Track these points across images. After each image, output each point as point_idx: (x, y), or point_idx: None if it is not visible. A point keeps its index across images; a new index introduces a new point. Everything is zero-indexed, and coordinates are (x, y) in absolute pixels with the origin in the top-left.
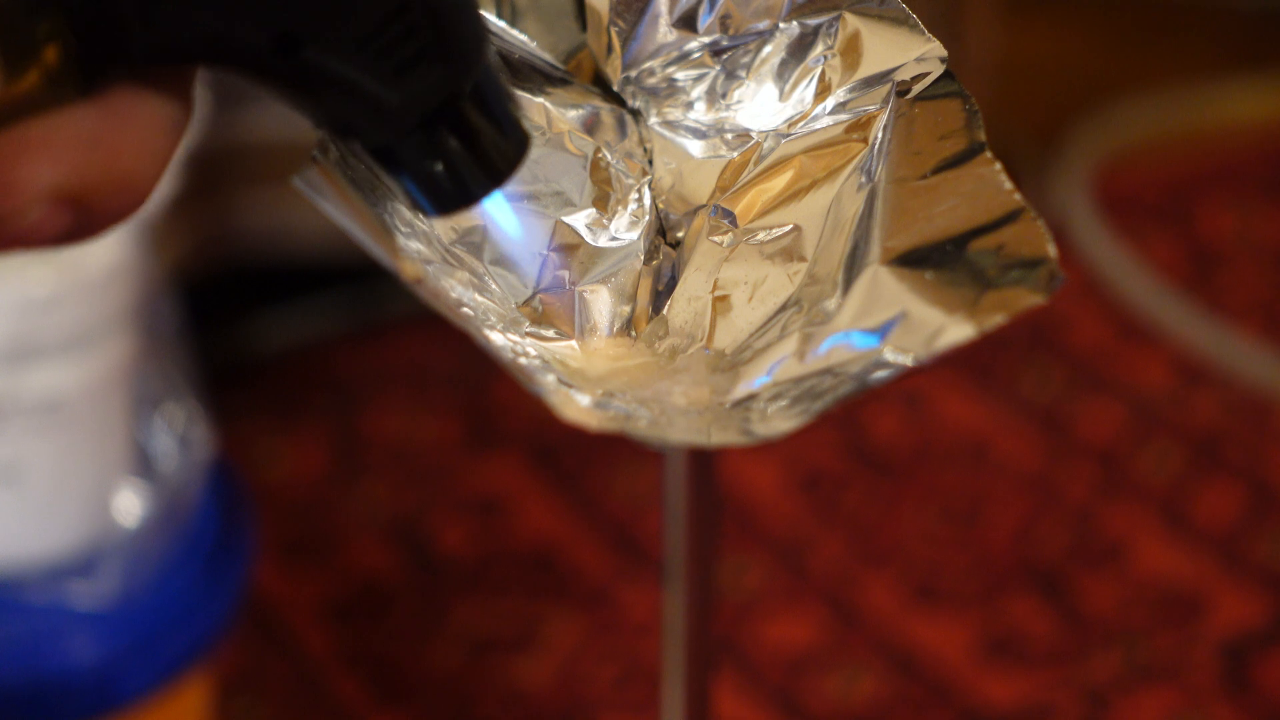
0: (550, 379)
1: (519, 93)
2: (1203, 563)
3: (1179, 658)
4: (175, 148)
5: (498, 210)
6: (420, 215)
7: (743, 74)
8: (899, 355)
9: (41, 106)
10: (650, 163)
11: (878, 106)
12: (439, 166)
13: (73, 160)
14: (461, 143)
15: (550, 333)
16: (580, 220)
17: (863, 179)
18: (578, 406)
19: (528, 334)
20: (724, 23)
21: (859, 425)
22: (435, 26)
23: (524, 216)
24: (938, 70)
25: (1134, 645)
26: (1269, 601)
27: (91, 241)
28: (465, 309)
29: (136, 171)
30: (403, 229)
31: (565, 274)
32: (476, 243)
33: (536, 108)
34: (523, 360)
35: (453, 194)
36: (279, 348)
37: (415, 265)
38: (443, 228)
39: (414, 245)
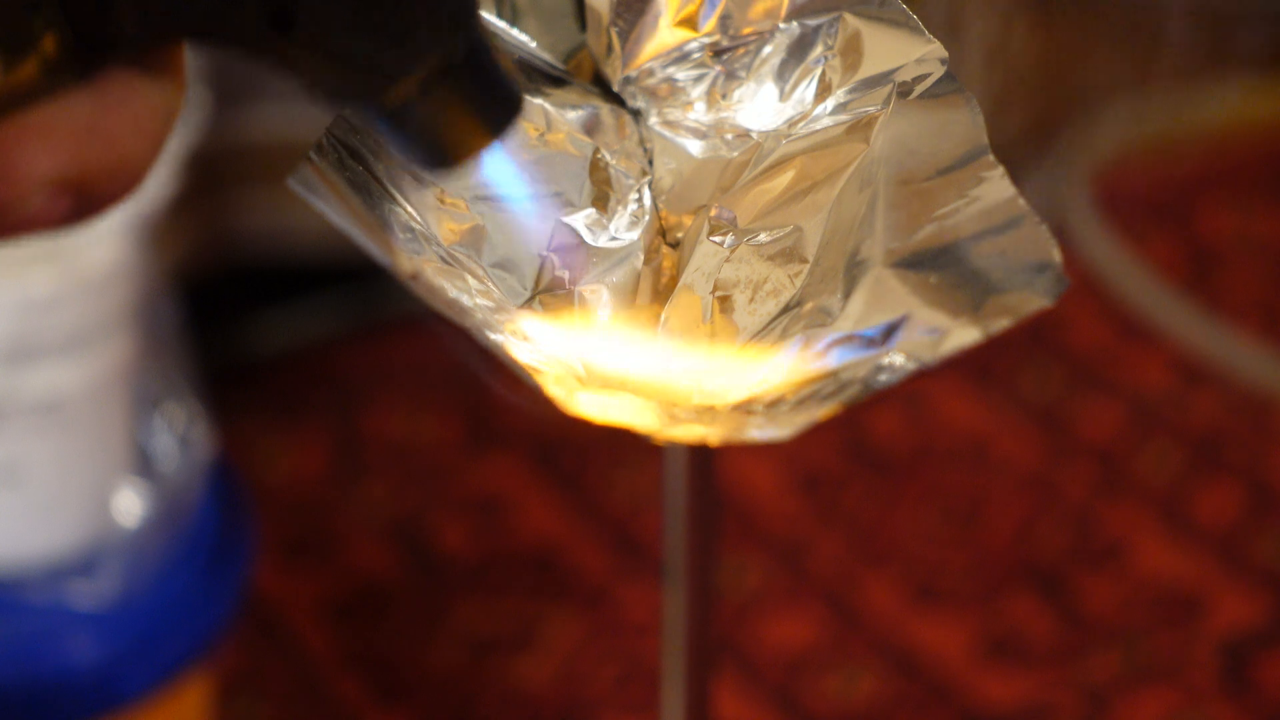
0: (551, 376)
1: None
2: (1203, 563)
3: (1179, 658)
4: (170, 129)
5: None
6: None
7: (743, 74)
8: (903, 358)
9: (39, 95)
10: (650, 163)
11: (878, 107)
12: (437, 127)
13: (71, 148)
14: (459, 101)
15: (551, 333)
16: (580, 220)
17: (864, 180)
18: (579, 401)
19: (528, 336)
20: (724, 23)
21: (859, 425)
22: None
23: (523, 215)
24: (938, 71)
25: (1134, 645)
26: (1269, 601)
27: (89, 223)
28: (465, 308)
29: (133, 155)
30: (401, 233)
31: (565, 274)
32: (476, 245)
33: (536, 109)
34: (524, 360)
35: (453, 151)
36: (279, 348)
37: (412, 260)
38: (442, 230)
39: (413, 247)
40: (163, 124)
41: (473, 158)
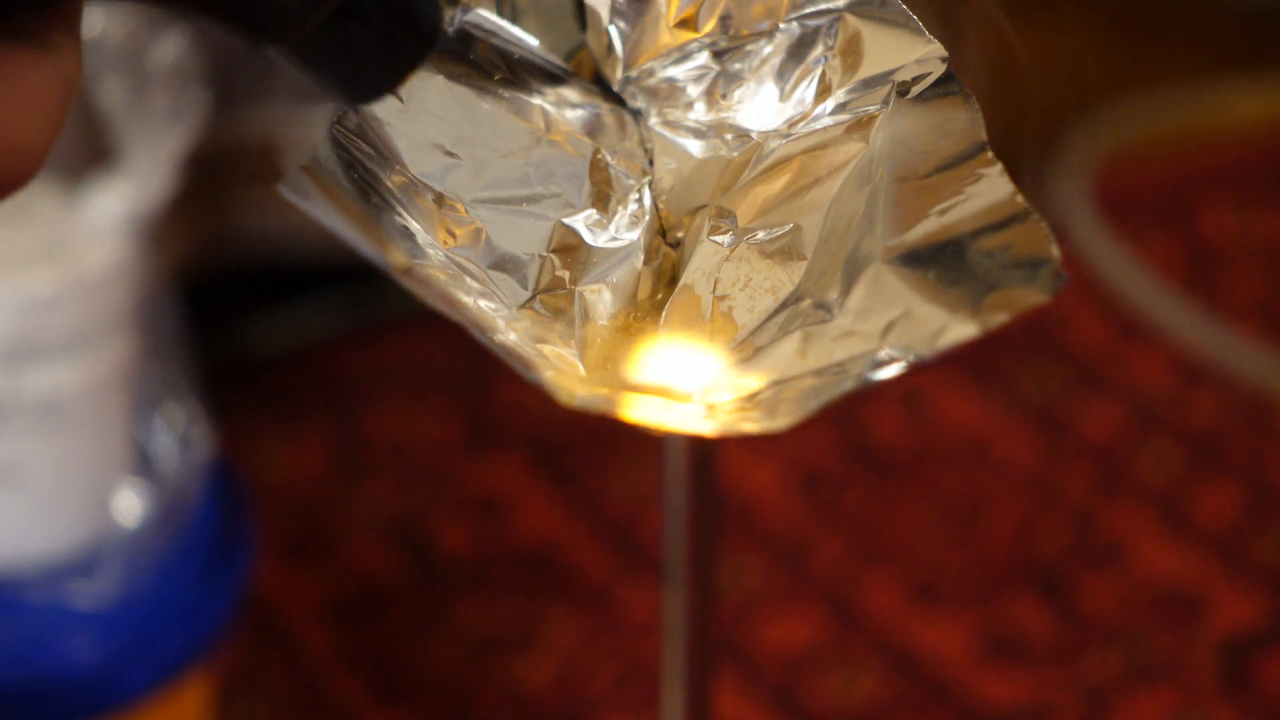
0: (551, 374)
1: (518, 94)
2: (1203, 563)
3: (1179, 658)
4: (66, 108)
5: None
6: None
7: (743, 74)
8: (901, 353)
9: None
10: (650, 163)
11: (878, 107)
12: (353, 59)
13: None
14: (371, 33)
15: (551, 333)
16: (580, 220)
17: (863, 178)
18: (579, 398)
19: (528, 335)
20: (724, 23)
21: (859, 425)
22: None
23: (522, 218)
24: (938, 70)
25: (1134, 645)
26: (1269, 601)
27: None
28: (463, 306)
29: (28, 139)
30: (398, 238)
31: (565, 274)
32: (474, 248)
33: (535, 109)
34: (523, 353)
35: (372, 82)
36: (279, 348)
37: (406, 258)
38: (440, 235)
39: (410, 250)
40: (60, 101)
41: (392, 88)
